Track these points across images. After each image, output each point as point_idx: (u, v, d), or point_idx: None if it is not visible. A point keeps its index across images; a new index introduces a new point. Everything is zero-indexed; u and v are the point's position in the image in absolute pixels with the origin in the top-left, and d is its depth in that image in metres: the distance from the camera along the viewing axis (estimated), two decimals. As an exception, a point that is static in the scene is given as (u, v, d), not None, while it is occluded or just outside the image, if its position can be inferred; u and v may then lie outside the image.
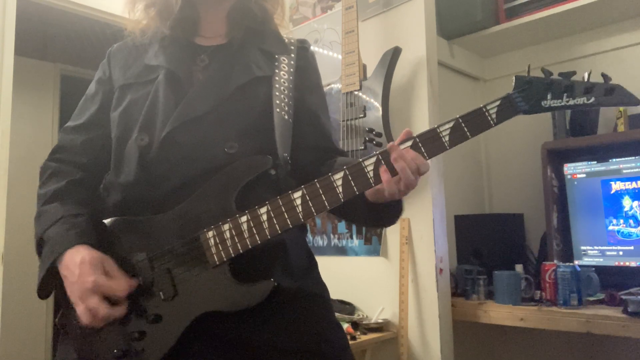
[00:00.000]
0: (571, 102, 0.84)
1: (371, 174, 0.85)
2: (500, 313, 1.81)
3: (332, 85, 2.08)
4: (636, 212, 1.85)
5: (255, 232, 0.87)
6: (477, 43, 2.42)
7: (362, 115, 1.93)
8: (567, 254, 1.99)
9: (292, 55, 1.07)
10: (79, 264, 0.87)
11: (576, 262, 1.88)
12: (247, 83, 0.99)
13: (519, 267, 1.96)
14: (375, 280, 2.01)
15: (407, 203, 1.91)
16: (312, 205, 0.86)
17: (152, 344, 0.88)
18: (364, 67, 1.99)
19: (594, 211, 1.94)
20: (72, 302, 0.89)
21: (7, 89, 1.96)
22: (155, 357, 0.87)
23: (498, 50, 2.53)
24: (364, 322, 1.90)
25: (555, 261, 1.88)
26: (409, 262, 1.89)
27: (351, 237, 2.12)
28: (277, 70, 1.03)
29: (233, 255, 0.88)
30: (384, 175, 0.84)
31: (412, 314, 1.87)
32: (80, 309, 0.87)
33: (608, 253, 1.90)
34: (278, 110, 0.98)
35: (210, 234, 0.89)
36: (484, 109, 0.86)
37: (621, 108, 1.97)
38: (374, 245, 2.04)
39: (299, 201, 0.86)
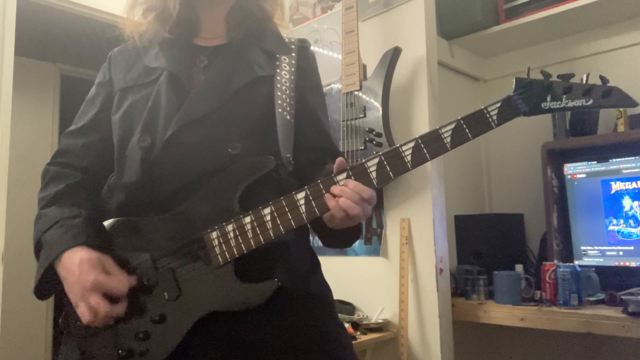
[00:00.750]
0: (570, 104, 0.86)
1: (375, 174, 0.86)
2: (500, 313, 1.81)
3: (332, 85, 2.08)
4: (636, 212, 1.85)
5: (259, 232, 0.87)
6: (477, 43, 2.42)
7: (362, 116, 1.93)
8: (567, 254, 1.99)
9: (293, 54, 1.07)
10: (78, 264, 0.87)
11: (576, 262, 1.88)
12: (249, 83, 0.99)
13: (519, 267, 1.96)
14: (375, 280, 2.01)
15: (407, 203, 1.92)
16: (315, 205, 0.86)
17: (156, 344, 0.88)
18: (364, 67, 1.99)
19: (594, 211, 1.94)
20: (72, 303, 0.89)
21: (7, 89, 1.96)
22: (159, 357, 0.88)
23: (498, 50, 2.53)
24: (364, 322, 1.90)
25: (555, 261, 1.88)
26: (409, 262, 1.89)
27: (351, 237, 2.11)
28: (278, 70, 1.03)
29: (237, 255, 0.88)
30: (330, 202, 0.85)
31: (412, 314, 1.87)
32: (81, 309, 0.87)
33: (608, 253, 1.90)
34: (280, 110, 0.98)
35: (215, 234, 0.89)
36: (485, 111, 0.86)
37: (621, 108, 1.97)
38: (374, 245, 2.04)
39: (302, 202, 0.87)
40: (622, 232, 1.87)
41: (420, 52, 1.92)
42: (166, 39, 1.04)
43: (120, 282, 0.88)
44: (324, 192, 0.86)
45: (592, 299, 1.74)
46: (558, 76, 0.87)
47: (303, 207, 0.86)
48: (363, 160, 0.87)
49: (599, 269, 1.82)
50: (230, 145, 0.93)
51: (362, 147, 1.91)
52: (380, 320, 1.92)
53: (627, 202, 1.88)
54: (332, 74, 2.11)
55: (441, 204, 1.90)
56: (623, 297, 1.64)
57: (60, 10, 2.35)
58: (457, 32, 2.37)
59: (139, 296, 0.90)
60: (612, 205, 1.91)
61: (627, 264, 1.85)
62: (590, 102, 0.85)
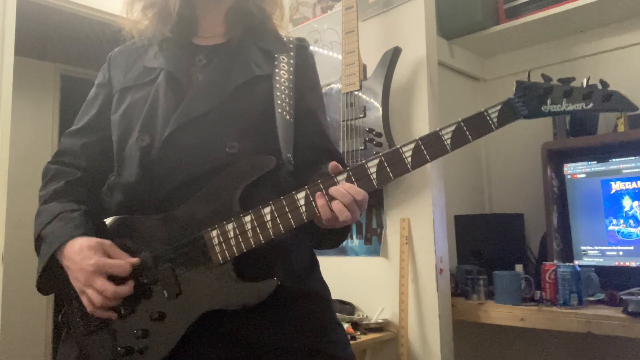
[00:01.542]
0: (570, 108, 0.86)
1: (374, 175, 0.87)
2: (500, 313, 1.81)
3: (332, 85, 2.08)
4: (636, 212, 1.85)
5: (259, 231, 0.88)
6: (477, 43, 2.42)
7: (362, 116, 1.93)
8: (567, 254, 1.99)
9: (292, 53, 1.07)
10: (78, 251, 0.89)
11: (576, 262, 1.88)
12: (247, 82, 0.99)
13: (519, 267, 1.96)
14: (375, 280, 2.01)
15: (407, 203, 1.92)
16: (315, 206, 0.86)
17: (155, 342, 0.89)
18: (364, 67, 1.99)
19: (594, 211, 1.95)
20: (78, 292, 0.91)
21: (7, 89, 1.96)
22: (158, 355, 0.88)
23: (498, 50, 2.54)
24: (364, 322, 1.90)
25: (555, 261, 1.88)
26: (409, 262, 1.89)
27: (351, 237, 2.12)
28: (276, 70, 1.03)
29: (237, 254, 0.88)
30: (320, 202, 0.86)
31: (412, 314, 1.87)
32: (88, 295, 0.88)
33: (608, 253, 1.90)
34: (280, 110, 0.98)
35: (214, 233, 0.89)
36: (485, 113, 0.87)
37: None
38: (374, 245, 2.04)
39: (302, 202, 0.87)
40: (622, 232, 1.87)
41: (420, 52, 1.92)
42: (165, 38, 1.04)
43: (123, 262, 0.89)
44: (324, 192, 0.86)
45: (592, 299, 1.74)
46: (558, 80, 0.88)
47: (303, 207, 0.86)
48: (363, 161, 0.87)
49: (599, 269, 1.82)
50: (228, 145, 0.93)
51: (362, 147, 1.91)
52: (380, 320, 1.92)
53: (627, 202, 1.88)
54: (332, 74, 2.11)
55: (441, 204, 1.90)
56: (623, 297, 1.64)
57: (60, 10, 2.35)
58: (457, 32, 2.37)
59: (138, 294, 0.91)
60: (612, 205, 1.91)
61: (627, 264, 1.85)
62: (590, 105, 0.86)
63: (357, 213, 0.85)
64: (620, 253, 1.87)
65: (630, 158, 1.88)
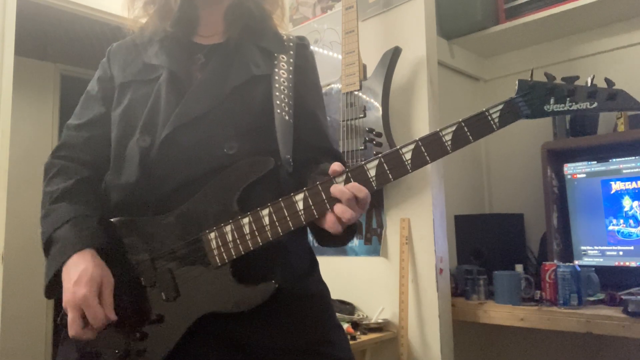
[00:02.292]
0: (574, 107, 0.84)
1: (374, 177, 0.85)
2: (500, 313, 1.81)
3: (332, 85, 2.08)
4: (636, 212, 1.85)
5: (257, 233, 0.87)
6: (477, 43, 2.42)
7: (362, 115, 1.93)
8: (567, 254, 1.99)
9: (291, 52, 1.06)
10: (80, 273, 0.86)
11: (576, 262, 1.88)
12: (245, 82, 0.98)
13: (519, 267, 1.96)
14: (375, 280, 2.01)
15: (407, 203, 1.92)
16: (314, 208, 0.86)
17: (153, 345, 0.88)
18: (364, 67, 1.99)
19: (594, 211, 1.94)
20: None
21: (7, 89, 1.96)
22: (157, 358, 0.88)
23: (498, 50, 2.53)
24: (364, 322, 1.90)
25: (555, 261, 1.88)
26: (409, 262, 1.89)
27: (351, 237, 2.11)
28: (276, 69, 1.02)
29: (235, 256, 0.88)
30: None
31: (412, 314, 1.87)
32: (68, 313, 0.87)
33: (608, 253, 1.90)
34: (279, 111, 0.98)
35: (212, 235, 0.89)
36: (487, 113, 0.85)
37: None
38: (374, 245, 2.04)
39: (300, 204, 0.86)
40: (622, 232, 1.87)
41: (420, 52, 1.92)
42: (165, 36, 1.03)
43: (102, 315, 0.86)
44: (322, 194, 0.85)
45: (592, 299, 1.74)
46: (562, 78, 0.86)
47: (301, 209, 0.86)
48: (362, 162, 0.86)
49: (599, 269, 1.82)
50: (226, 145, 0.93)
51: (362, 147, 1.91)
52: (380, 320, 1.92)
53: (627, 202, 1.88)
54: (332, 74, 2.11)
55: (441, 204, 1.90)
56: (623, 297, 1.64)
57: (60, 10, 2.35)
58: (457, 32, 2.37)
59: (137, 296, 0.90)
60: (612, 205, 1.91)
61: (627, 264, 1.85)
62: (595, 105, 0.83)
63: (359, 213, 0.84)
64: (620, 253, 1.87)
65: (630, 158, 1.88)
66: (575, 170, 2.01)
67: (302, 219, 0.86)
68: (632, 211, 1.86)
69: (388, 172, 0.85)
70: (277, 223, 0.86)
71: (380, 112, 1.89)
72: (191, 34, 1.05)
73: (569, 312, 1.65)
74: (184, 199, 0.91)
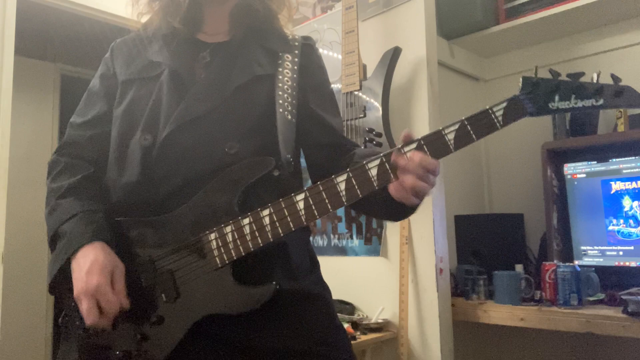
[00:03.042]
0: (579, 104, 0.82)
1: (375, 177, 0.84)
2: (500, 313, 1.81)
3: (332, 85, 2.07)
4: (636, 212, 1.85)
5: (257, 235, 0.86)
6: (477, 43, 2.42)
7: (362, 115, 1.93)
8: (567, 254, 1.99)
9: (296, 52, 1.05)
10: (90, 262, 0.87)
11: (576, 262, 1.88)
12: (248, 82, 0.98)
13: (519, 267, 1.96)
14: (375, 280, 2.01)
15: (407, 203, 1.92)
16: (314, 208, 0.85)
17: (153, 346, 0.88)
18: (364, 67, 1.99)
19: (594, 211, 1.94)
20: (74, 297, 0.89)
21: (7, 89, 1.96)
22: (157, 359, 0.87)
23: (498, 50, 2.53)
24: (364, 322, 1.90)
25: (555, 261, 1.87)
26: (409, 262, 1.89)
27: (351, 237, 2.12)
28: (280, 69, 1.01)
29: (235, 257, 0.87)
30: (392, 187, 0.82)
31: (412, 314, 1.87)
32: (80, 305, 0.87)
33: (608, 253, 1.90)
34: (281, 110, 0.97)
35: (213, 236, 0.88)
36: (490, 111, 0.83)
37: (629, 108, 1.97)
38: (374, 245, 2.04)
39: (301, 204, 0.85)
40: (622, 232, 1.87)
41: (420, 52, 1.92)
42: (169, 33, 1.03)
43: (116, 301, 0.87)
44: (324, 194, 0.85)
45: (592, 299, 1.74)
46: (567, 75, 0.84)
47: (302, 209, 0.85)
48: (364, 162, 0.85)
49: (599, 269, 1.82)
50: (227, 145, 0.92)
51: (362, 147, 1.91)
52: (380, 320, 1.92)
53: (627, 202, 1.88)
54: (332, 74, 2.09)
55: (441, 204, 1.90)
56: (623, 297, 1.64)
57: (60, 10, 2.35)
58: (457, 32, 2.37)
59: (137, 297, 0.90)
60: (612, 205, 1.91)
61: (627, 264, 1.85)
62: (601, 101, 0.81)
63: (431, 184, 0.82)
64: (620, 253, 1.87)
65: (630, 158, 1.88)
66: (575, 170, 2.01)
67: (303, 220, 0.85)
68: (632, 211, 1.86)
69: (390, 171, 0.84)
70: (277, 224, 0.86)
71: (380, 112, 1.89)
72: (196, 31, 1.05)
73: (569, 312, 1.65)
74: (184, 199, 0.91)
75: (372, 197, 0.86)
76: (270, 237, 0.86)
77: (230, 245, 0.87)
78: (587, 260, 1.93)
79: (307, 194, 0.85)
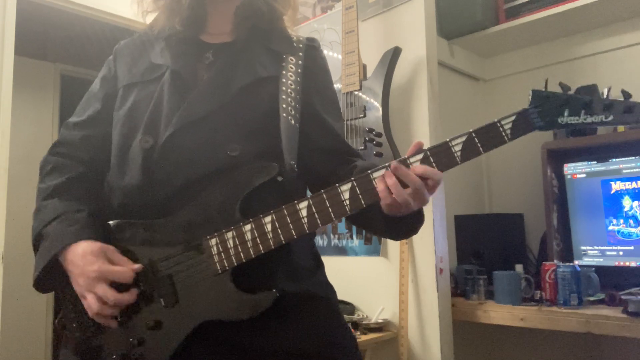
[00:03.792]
0: (589, 120, 0.80)
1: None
2: (500, 313, 1.81)
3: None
4: (636, 212, 1.85)
5: (259, 241, 0.86)
6: (477, 43, 2.42)
7: (362, 115, 1.93)
8: (567, 254, 1.99)
9: (300, 54, 1.04)
10: (81, 256, 0.87)
11: (576, 262, 1.88)
12: (251, 84, 0.97)
13: (519, 267, 1.96)
14: (375, 280, 2.01)
15: (407, 203, 1.92)
16: (317, 217, 0.84)
17: (151, 351, 0.87)
18: (364, 67, 1.99)
19: (594, 211, 1.94)
20: (79, 296, 0.89)
21: (7, 89, 1.96)
22: None
23: (498, 50, 2.53)
24: (364, 322, 1.90)
25: (555, 261, 1.88)
26: (409, 262, 1.89)
27: (351, 237, 2.12)
28: (283, 71, 1.00)
29: (236, 264, 0.87)
30: (382, 191, 0.82)
31: (412, 314, 1.87)
32: (88, 300, 0.87)
33: (608, 253, 1.90)
34: (285, 114, 0.95)
35: (213, 241, 0.87)
36: (499, 124, 0.82)
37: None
38: (374, 245, 2.04)
39: (304, 212, 0.84)
40: (622, 232, 1.87)
41: (420, 52, 1.92)
42: (172, 33, 1.02)
43: (125, 269, 0.87)
44: (327, 203, 0.84)
45: (592, 299, 1.74)
46: (578, 88, 0.82)
47: (305, 217, 0.84)
48: (369, 172, 0.84)
49: (599, 269, 1.82)
50: (229, 147, 0.91)
51: (362, 147, 1.91)
52: (380, 320, 1.92)
53: (627, 202, 1.88)
54: (332, 73, 2.10)
55: (441, 204, 1.90)
56: (623, 297, 1.64)
57: (60, 10, 2.35)
58: (457, 32, 2.37)
59: (136, 302, 0.89)
60: (612, 205, 1.91)
61: (627, 264, 1.85)
62: (611, 118, 0.79)
63: (428, 196, 0.82)
64: (620, 253, 1.87)
65: (630, 158, 1.88)
66: (575, 170, 2.01)
67: (306, 227, 0.84)
68: (632, 211, 1.86)
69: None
70: (279, 231, 0.85)
71: (380, 112, 1.89)
72: (199, 31, 1.04)
73: (569, 312, 1.65)
74: (186, 202, 0.90)
75: (369, 213, 0.86)
76: (272, 244, 0.85)
77: (231, 251, 0.86)
78: (587, 260, 1.93)
79: (311, 202, 0.84)
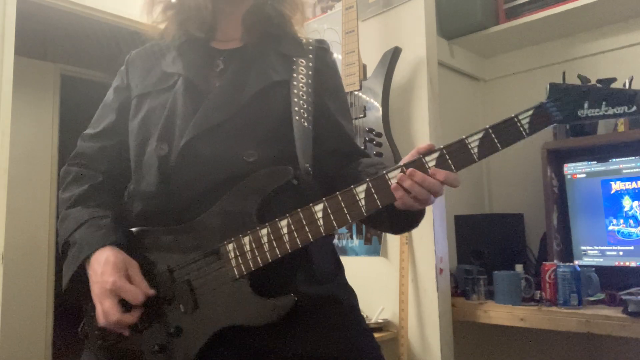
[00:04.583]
0: (610, 112, 0.78)
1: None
2: (500, 313, 1.81)
3: (332, 85, 2.08)
4: (636, 212, 1.85)
5: (275, 245, 0.86)
6: (477, 43, 2.42)
7: (362, 115, 1.94)
8: (567, 254, 1.99)
9: (311, 56, 1.04)
10: (103, 264, 0.88)
11: (576, 262, 1.88)
12: (264, 88, 0.97)
13: (519, 267, 1.96)
14: (375, 280, 2.01)
15: (407, 203, 1.91)
16: (333, 219, 0.84)
17: (172, 358, 0.88)
18: (364, 67, 1.99)
19: (594, 211, 1.94)
20: (94, 303, 0.90)
21: (7, 89, 1.96)
22: None
23: (498, 50, 2.53)
24: (364, 322, 1.90)
25: (555, 261, 1.88)
26: (409, 262, 1.89)
27: (351, 237, 2.12)
28: (294, 74, 1.00)
29: (253, 268, 0.87)
30: (397, 193, 0.82)
31: (412, 314, 1.87)
32: (97, 310, 0.88)
33: (608, 253, 1.90)
34: (297, 117, 0.96)
35: (231, 246, 0.87)
36: (516, 119, 0.80)
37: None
38: (374, 245, 2.04)
39: (320, 214, 0.84)
40: (622, 232, 1.87)
41: (420, 52, 1.92)
42: (183, 42, 1.03)
43: (138, 290, 0.87)
44: (342, 204, 0.83)
45: (592, 299, 1.74)
46: (597, 81, 0.81)
47: (321, 220, 0.84)
48: (384, 172, 0.83)
49: (599, 269, 1.82)
50: (245, 153, 0.91)
51: (362, 147, 1.91)
52: (380, 320, 1.92)
53: (627, 202, 1.88)
54: (332, 74, 2.10)
55: (441, 204, 1.90)
56: (623, 297, 1.64)
57: (60, 10, 2.35)
58: (457, 32, 2.37)
59: (155, 308, 0.90)
60: (612, 205, 1.91)
61: (627, 264, 1.85)
62: (634, 109, 0.77)
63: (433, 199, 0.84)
64: (620, 253, 1.87)
65: (630, 158, 1.88)
66: (575, 170, 2.01)
67: (322, 230, 0.84)
68: (632, 211, 1.86)
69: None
70: (295, 234, 0.85)
71: (380, 112, 1.89)
72: (210, 38, 1.04)
73: (569, 312, 1.65)
74: (203, 208, 0.90)
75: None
76: (288, 247, 0.85)
77: (248, 256, 0.86)
78: (587, 260, 1.93)
79: (326, 204, 0.84)
